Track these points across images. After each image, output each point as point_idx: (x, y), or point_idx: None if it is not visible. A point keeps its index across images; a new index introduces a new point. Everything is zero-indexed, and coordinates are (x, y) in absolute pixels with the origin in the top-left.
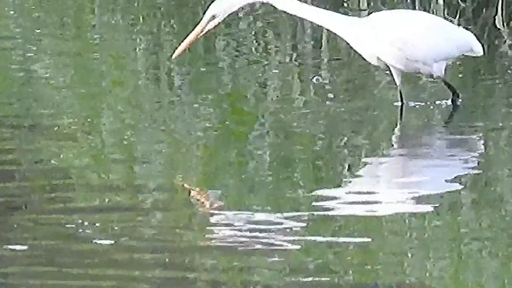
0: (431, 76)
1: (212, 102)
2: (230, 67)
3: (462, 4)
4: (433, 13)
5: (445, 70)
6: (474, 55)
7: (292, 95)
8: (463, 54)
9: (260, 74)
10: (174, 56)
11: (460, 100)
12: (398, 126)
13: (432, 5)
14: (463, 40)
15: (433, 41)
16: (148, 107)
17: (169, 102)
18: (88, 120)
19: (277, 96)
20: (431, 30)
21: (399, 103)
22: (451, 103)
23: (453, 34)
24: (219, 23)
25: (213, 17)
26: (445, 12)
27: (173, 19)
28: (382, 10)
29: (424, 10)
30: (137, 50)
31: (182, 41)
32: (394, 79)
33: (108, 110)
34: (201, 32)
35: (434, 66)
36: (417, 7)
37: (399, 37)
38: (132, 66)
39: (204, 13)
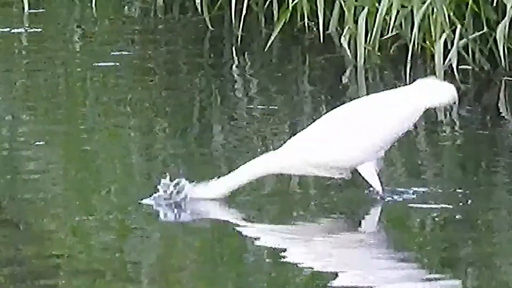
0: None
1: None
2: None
3: (462, 87)
4: None
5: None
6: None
7: None
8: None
9: None
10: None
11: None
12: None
13: None
14: (380, 137)
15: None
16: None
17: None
18: (76, 219)
19: None
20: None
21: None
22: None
23: (370, 126)
24: None
25: None
26: None
27: (166, 104)
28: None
29: None
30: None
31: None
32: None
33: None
34: None
35: (364, 168)
36: None
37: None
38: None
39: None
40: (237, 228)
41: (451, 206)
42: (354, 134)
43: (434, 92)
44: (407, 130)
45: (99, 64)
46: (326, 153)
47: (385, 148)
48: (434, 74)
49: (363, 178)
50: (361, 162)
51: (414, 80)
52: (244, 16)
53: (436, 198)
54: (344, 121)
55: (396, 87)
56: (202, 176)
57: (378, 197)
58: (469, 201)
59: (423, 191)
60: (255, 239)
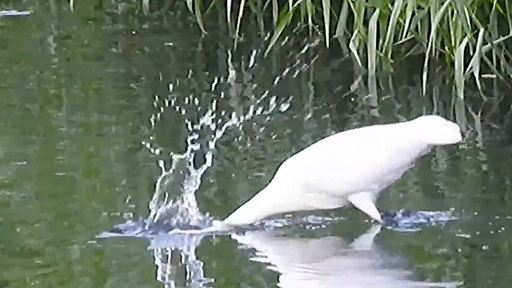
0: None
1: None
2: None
3: (486, 98)
4: (454, 107)
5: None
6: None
7: None
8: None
9: None
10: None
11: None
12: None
13: (452, 100)
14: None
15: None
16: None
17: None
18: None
19: None
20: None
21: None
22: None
23: (372, 153)
24: None
25: None
26: (467, 107)
27: (151, 117)
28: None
29: (444, 106)
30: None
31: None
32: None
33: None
34: None
35: (360, 199)
36: (435, 103)
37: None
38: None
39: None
40: (232, 249)
41: (469, 236)
42: (349, 159)
43: (438, 130)
44: (405, 167)
45: (77, 71)
46: (320, 174)
47: (380, 181)
48: (454, 83)
49: (357, 209)
50: (353, 189)
51: (429, 88)
52: (241, 17)
53: (453, 224)
54: (339, 146)
55: (412, 98)
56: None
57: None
58: (492, 230)
59: (439, 215)
60: (251, 261)
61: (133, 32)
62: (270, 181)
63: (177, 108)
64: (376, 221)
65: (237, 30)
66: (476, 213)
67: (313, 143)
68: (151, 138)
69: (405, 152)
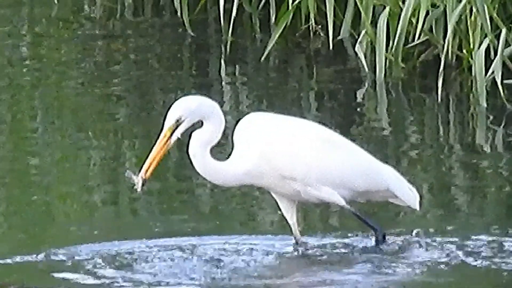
0: (339, 206)
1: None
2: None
3: (509, 105)
4: (473, 118)
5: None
6: (399, 203)
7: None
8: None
9: None
10: (139, 189)
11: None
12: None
13: (471, 109)
14: (368, 168)
15: (317, 156)
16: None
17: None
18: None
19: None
20: (316, 142)
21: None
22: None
23: (351, 154)
24: (181, 135)
25: (177, 122)
26: (489, 117)
27: (136, 132)
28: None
29: (462, 117)
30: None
31: (143, 164)
32: (283, 214)
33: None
34: (165, 147)
35: (324, 192)
36: (452, 113)
37: (271, 146)
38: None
39: (164, 118)
40: (229, 272)
41: (494, 262)
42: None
43: (404, 186)
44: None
45: (53, 81)
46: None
47: (339, 186)
48: (473, 90)
49: (323, 202)
50: (317, 181)
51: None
52: (235, 18)
53: (469, 246)
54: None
55: (425, 108)
56: (181, 212)
57: (374, 238)
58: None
59: (456, 234)
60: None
61: (116, 36)
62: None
63: (161, 119)
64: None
65: (230, 31)
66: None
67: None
68: (134, 145)
69: (367, 174)
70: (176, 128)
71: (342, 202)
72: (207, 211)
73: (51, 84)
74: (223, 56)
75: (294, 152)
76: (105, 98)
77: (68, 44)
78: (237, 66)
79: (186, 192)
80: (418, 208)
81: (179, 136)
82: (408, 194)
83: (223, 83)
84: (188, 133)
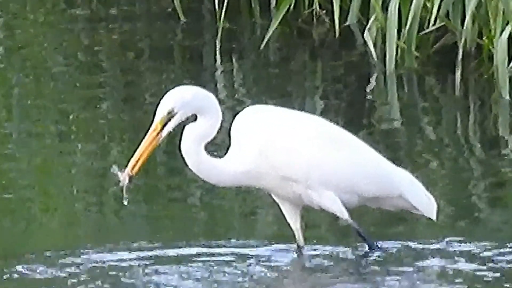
0: (335, 216)
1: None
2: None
3: None
4: (495, 113)
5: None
6: (414, 211)
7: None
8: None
9: None
10: (125, 188)
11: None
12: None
13: (492, 102)
14: (378, 171)
15: (320, 155)
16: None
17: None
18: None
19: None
20: (320, 139)
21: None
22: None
23: (359, 154)
24: (173, 129)
25: (169, 114)
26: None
27: (123, 127)
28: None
29: (482, 110)
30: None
31: (130, 160)
32: (285, 219)
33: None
34: (155, 141)
35: (325, 197)
36: (471, 107)
37: (270, 143)
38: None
39: (155, 110)
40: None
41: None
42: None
43: (419, 193)
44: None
45: (31, 70)
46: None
47: (342, 189)
48: (494, 81)
49: (325, 210)
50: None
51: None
52: (231, 2)
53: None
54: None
55: (442, 101)
56: (170, 217)
57: (367, 247)
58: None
59: (475, 242)
60: None
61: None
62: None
63: (150, 113)
64: (345, 219)
65: (224, 17)
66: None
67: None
68: (122, 140)
69: (377, 181)
70: (168, 121)
71: (345, 215)
72: (199, 216)
73: (29, 73)
74: (216, 44)
75: (294, 150)
76: (88, 91)
77: (46, 28)
78: (233, 55)
79: (178, 191)
80: (435, 218)
81: (171, 130)
82: (424, 202)
83: (218, 74)
84: (181, 127)
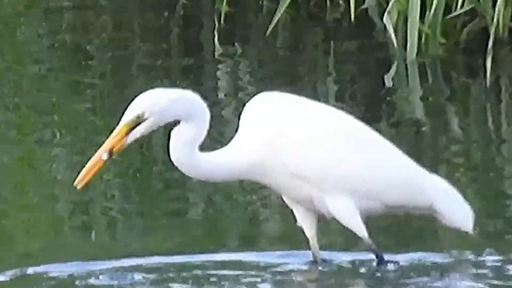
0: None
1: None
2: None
3: None
4: None
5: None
6: (446, 223)
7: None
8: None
9: None
10: (78, 184)
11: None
12: None
13: None
14: (407, 177)
15: (338, 154)
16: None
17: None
18: None
19: None
20: (340, 135)
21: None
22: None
23: (384, 156)
24: (141, 135)
25: (138, 119)
26: None
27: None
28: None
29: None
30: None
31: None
32: (298, 224)
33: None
34: (117, 146)
35: (340, 203)
36: (503, 100)
37: (280, 134)
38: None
39: (123, 112)
40: None
41: None
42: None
43: (455, 204)
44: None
45: (11, 63)
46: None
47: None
48: None
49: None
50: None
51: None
52: None
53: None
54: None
55: (470, 93)
56: (167, 224)
57: (375, 259)
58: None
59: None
60: None
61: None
62: None
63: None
64: (367, 244)
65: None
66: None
67: None
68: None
69: (408, 186)
70: (137, 125)
71: (363, 232)
72: (199, 222)
73: (9, 67)
74: (217, 30)
75: (308, 144)
76: (74, 84)
77: (32, 12)
78: (236, 43)
79: (175, 197)
80: (471, 230)
81: (138, 137)
82: (460, 215)
83: (219, 64)
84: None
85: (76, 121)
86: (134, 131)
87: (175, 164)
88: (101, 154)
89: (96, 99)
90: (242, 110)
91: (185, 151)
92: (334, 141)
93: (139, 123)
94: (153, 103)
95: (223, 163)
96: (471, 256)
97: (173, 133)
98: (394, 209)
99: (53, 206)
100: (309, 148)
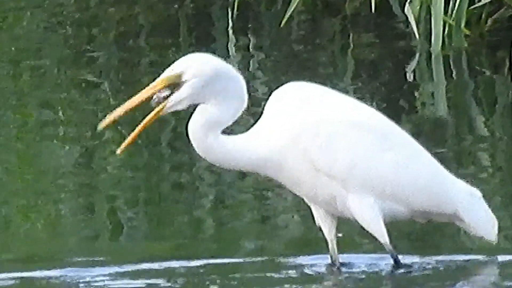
0: (372, 234)
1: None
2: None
3: None
4: None
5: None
6: (469, 230)
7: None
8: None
9: None
10: (120, 151)
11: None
12: None
13: None
14: (434, 182)
15: (368, 152)
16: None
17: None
18: None
19: None
20: (371, 133)
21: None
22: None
23: (412, 158)
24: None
25: (178, 78)
26: None
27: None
28: None
29: None
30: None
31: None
32: (317, 225)
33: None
34: (155, 100)
35: (365, 204)
36: None
37: (306, 126)
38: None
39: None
40: None
41: None
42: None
43: (479, 212)
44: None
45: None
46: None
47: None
48: None
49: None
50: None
51: None
52: None
53: None
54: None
55: (496, 88)
56: (173, 228)
57: (392, 261)
58: None
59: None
60: None
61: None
62: None
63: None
64: (388, 249)
65: None
66: None
67: None
68: (111, 151)
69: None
70: (174, 87)
71: (384, 237)
72: (208, 225)
73: (10, 64)
74: (230, 20)
75: (337, 139)
76: (78, 83)
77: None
78: (250, 35)
79: (183, 199)
80: (494, 240)
81: (173, 109)
82: (484, 225)
83: (232, 57)
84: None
85: (80, 118)
86: (172, 97)
87: (191, 140)
88: (139, 101)
89: (102, 94)
90: (268, 98)
91: (204, 131)
92: (364, 138)
93: (178, 86)
94: (198, 65)
95: (242, 148)
96: (492, 260)
97: (198, 108)
98: (417, 214)
99: (55, 208)
100: (338, 142)
